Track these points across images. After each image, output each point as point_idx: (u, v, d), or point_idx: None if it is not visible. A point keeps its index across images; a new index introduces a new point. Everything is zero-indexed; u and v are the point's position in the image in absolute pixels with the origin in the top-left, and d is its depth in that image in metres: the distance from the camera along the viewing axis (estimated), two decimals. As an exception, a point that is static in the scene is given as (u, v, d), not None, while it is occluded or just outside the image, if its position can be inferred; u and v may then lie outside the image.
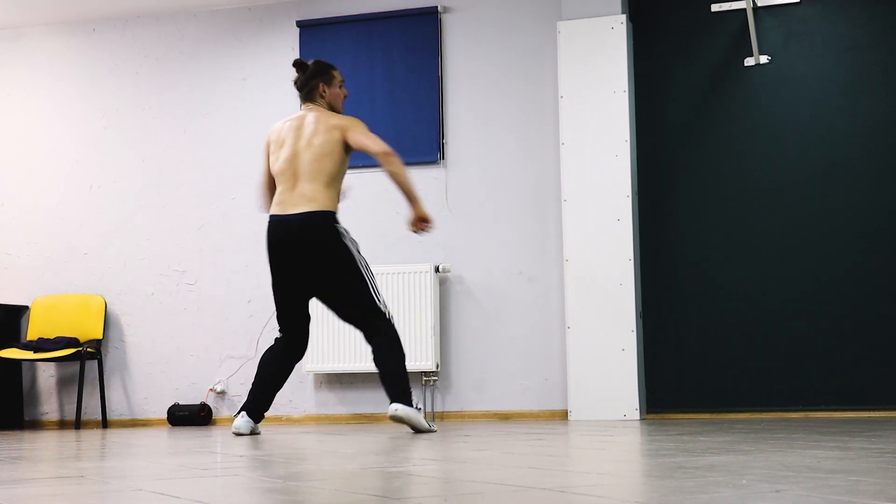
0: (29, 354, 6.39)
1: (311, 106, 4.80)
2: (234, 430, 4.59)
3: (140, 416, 6.67)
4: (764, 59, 5.92)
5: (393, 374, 4.51)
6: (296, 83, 4.89)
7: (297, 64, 4.92)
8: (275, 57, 6.70)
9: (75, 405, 6.51)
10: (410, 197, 4.60)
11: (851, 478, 2.06)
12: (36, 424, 6.80)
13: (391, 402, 4.42)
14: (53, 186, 6.98)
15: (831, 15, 5.90)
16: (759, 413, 5.69)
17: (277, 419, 6.41)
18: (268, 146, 4.77)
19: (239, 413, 4.66)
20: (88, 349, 6.50)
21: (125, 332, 6.75)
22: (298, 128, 4.71)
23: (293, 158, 4.63)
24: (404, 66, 6.38)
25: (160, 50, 6.91)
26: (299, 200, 4.57)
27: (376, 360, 4.57)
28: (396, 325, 4.68)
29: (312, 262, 4.53)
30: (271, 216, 4.63)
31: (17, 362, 6.63)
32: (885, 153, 5.74)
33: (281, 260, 4.58)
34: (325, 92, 4.81)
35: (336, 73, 4.87)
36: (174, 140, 6.84)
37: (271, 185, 4.75)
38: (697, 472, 2.23)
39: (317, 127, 4.66)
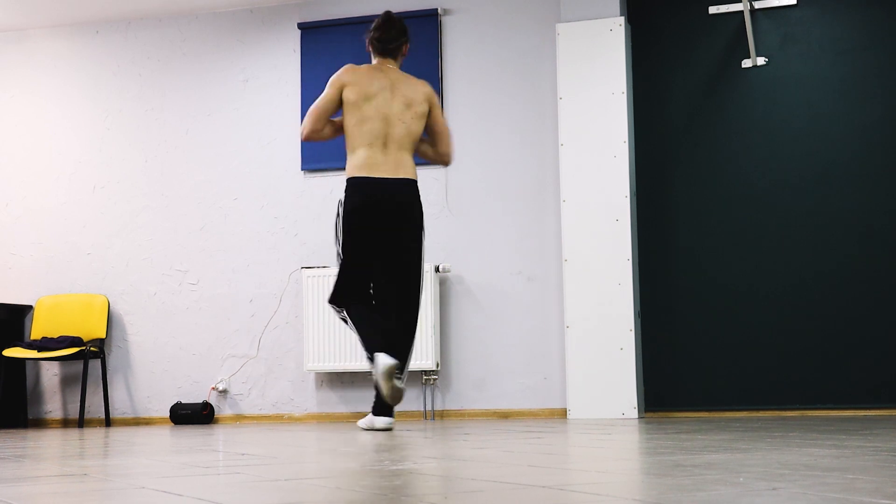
0: (33, 353, 6.42)
1: (391, 63, 4.76)
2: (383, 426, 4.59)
3: (143, 414, 6.70)
4: (761, 60, 5.95)
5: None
6: (382, 35, 4.75)
7: (391, 17, 4.79)
8: (276, 58, 6.72)
9: (79, 404, 6.54)
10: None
11: (848, 476, 2.06)
12: (40, 423, 6.83)
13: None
14: (57, 187, 7.01)
15: (828, 17, 5.93)
16: (756, 411, 5.71)
17: (279, 417, 6.44)
18: (342, 87, 4.67)
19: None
20: (92, 348, 6.53)
21: (128, 331, 6.78)
22: (391, 88, 4.67)
23: (386, 122, 4.62)
24: (405, 67, 6.39)
25: (163, 52, 6.94)
26: (395, 167, 4.61)
27: (400, 333, 4.60)
28: None
29: (401, 228, 4.63)
30: (361, 177, 4.57)
31: (21, 361, 6.65)
32: (881, 154, 5.77)
33: (371, 221, 4.59)
34: (405, 54, 4.84)
35: None
36: (177, 141, 6.87)
37: (325, 120, 4.69)
38: (695, 470, 2.23)
39: (414, 96, 4.67)
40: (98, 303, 6.76)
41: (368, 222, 4.60)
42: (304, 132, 4.71)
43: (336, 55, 6.51)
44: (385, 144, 4.61)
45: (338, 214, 4.66)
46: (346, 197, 4.60)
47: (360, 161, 4.59)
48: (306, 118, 4.72)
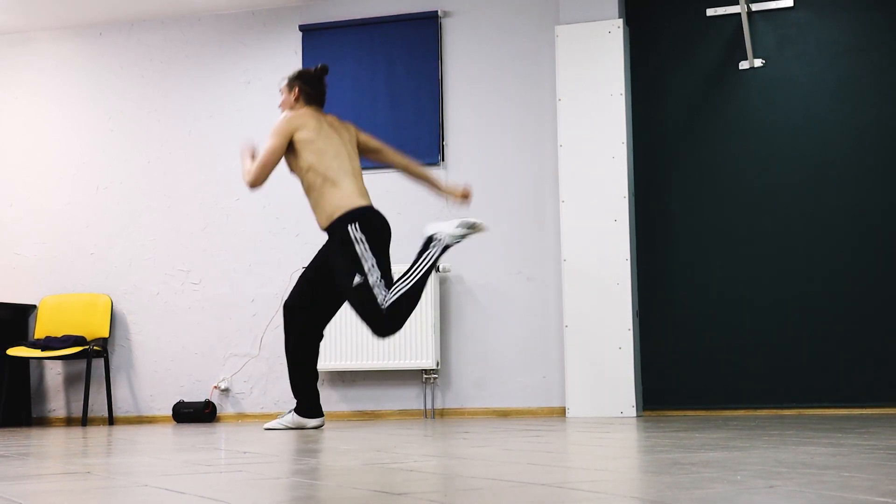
0: (36, 353, 6.44)
1: (321, 110, 5.09)
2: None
3: (146, 413, 6.73)
4: (758, 62, 5.97)
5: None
6: (322, 87, 5.10)
7: (326, 71, 5.16)
8: (278, 60, 6.74)
9: (82, 402, 6.57)
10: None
11: (844, 474, 2.05)
12: (43, 421, 6.85)
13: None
14: (60, 187, 7.04)
15: (824, 19, 5.95)
16: (753, 410, 5.74)
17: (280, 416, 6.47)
18: (295, 131, 4.88)
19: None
20: (95, 347, 6.56)
21: (131, 330, 6.81)
22: (337, 129, 5.00)
23: (349, 158, 4.92)
24: (405, 69, 6.43)
25: (165, 53, 6.96)
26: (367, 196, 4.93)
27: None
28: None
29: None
30: (365, 207, 4.82)
31: (25, 360, 6.68)
32: (877, 154, 5.80)
33: (382, 244, 4.81)
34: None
35: None
36: (179, 142, 6.90)
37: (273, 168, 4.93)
38: (693, 468, 2.23)
39: (350, 133, 5.05)
40: (101, 302, 6.79)
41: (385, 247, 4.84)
42: (254, 181, 4.87)
43: (337, 57, 6.54)
44: (356, 176, 4.92)
45: (357, 241, 4.73)
46: (363, 224, 4.76)
47: (353, 191, 4.84)
48: (258, 170, 4.84)
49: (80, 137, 7.05)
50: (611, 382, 5.76)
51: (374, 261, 4.69)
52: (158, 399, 6.70)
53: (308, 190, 4.89)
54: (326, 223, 4.84)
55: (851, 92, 5.86)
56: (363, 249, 4.70)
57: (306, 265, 5.14)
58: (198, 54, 6.91)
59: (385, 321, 4.65)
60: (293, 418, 5.00)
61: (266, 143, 4.86)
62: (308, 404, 4.99)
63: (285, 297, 5.11)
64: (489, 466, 2.53)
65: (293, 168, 4.93)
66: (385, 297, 4.64)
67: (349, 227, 4.73)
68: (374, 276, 4.68)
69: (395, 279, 4.72)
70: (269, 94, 6.74)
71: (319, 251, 5.01)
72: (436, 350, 6.09)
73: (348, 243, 4.71)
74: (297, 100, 5.03)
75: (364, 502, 1.84)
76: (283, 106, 5.07)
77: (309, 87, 5.05)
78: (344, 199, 4.79)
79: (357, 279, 4.67)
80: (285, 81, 5.10)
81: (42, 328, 6.76)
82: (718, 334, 5.91)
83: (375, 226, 4.78)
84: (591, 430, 4.31)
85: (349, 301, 4.77)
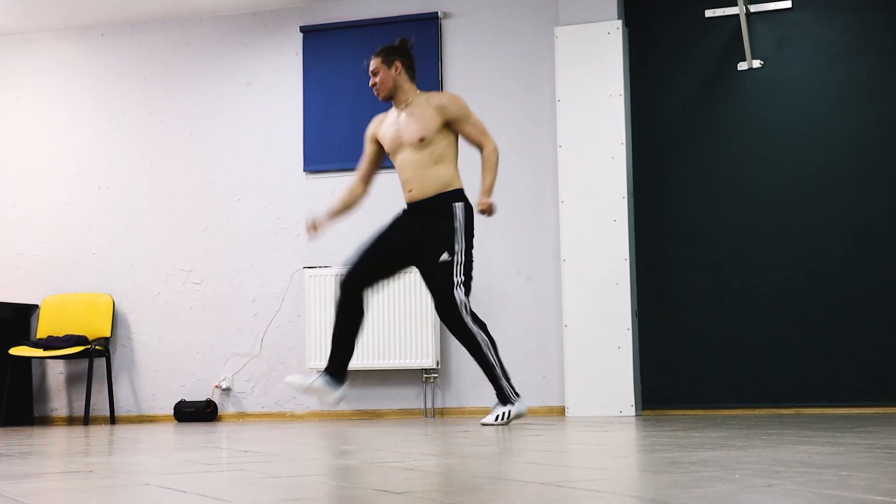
0: (38, 352, 6.46)
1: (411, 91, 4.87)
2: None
3: (147, 412, 6.74)
4: (756, 63, 5.99)
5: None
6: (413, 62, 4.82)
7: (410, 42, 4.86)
8: (279, 61, 6.76)
9: (84, 402, 6.59)
10: None
11: (842, 472, 2.06)
12: (45, 420, 6.87)
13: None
14: (62, 188, 7.05)
15: (822, 21, 5.97)
16: (751, 409, 5.75)
17: (281, 415, 6.49)
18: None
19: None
20: (97, 347, 6.58)
21: (133, 330, 6.82)
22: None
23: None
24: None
25: (167, 54, 6.98)
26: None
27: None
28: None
29: None
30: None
31: (27, 360, 6.70)
32: (874, 155, 5.81)
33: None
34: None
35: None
36: (180, 142, 6.91)
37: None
38: (691, 467, 2.23)
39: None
40: (103, 302, 6.81)
41: None
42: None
43: (337, 58, 6.56)
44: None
45: (464, 221, 4.68)
46: (467, 206, 4.74)
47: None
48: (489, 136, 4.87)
49: (81, 138, 7.07)
50: (610, 382, 5.77)
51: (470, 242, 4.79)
52: (160, 398, 6.72)
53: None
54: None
55: (849, 92, 5.87)
56: (461, 227, 4.78)
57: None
58: (199, 55, 6.93)
59: (453, 317, 4.73)
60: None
61: (473, 118, 4.79)
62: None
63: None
64: (489, 465, 2.54)
65: (436, 140, 4.75)
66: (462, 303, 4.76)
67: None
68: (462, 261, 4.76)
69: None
70: (270, 95, 6.77)
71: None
72: (436, 349, 6.10)
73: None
74: (399, 74, 4.73)
75: (364, 502, 1.85)
76: (382, 85, 4.71)
77: (410, 61, 4.77)
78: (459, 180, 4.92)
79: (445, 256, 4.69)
80: (378, 59, 4.71)
81: (44, 328, 6.78)
82: (717, 334, 5.93)
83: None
84: (590, 429, 4.32)
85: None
